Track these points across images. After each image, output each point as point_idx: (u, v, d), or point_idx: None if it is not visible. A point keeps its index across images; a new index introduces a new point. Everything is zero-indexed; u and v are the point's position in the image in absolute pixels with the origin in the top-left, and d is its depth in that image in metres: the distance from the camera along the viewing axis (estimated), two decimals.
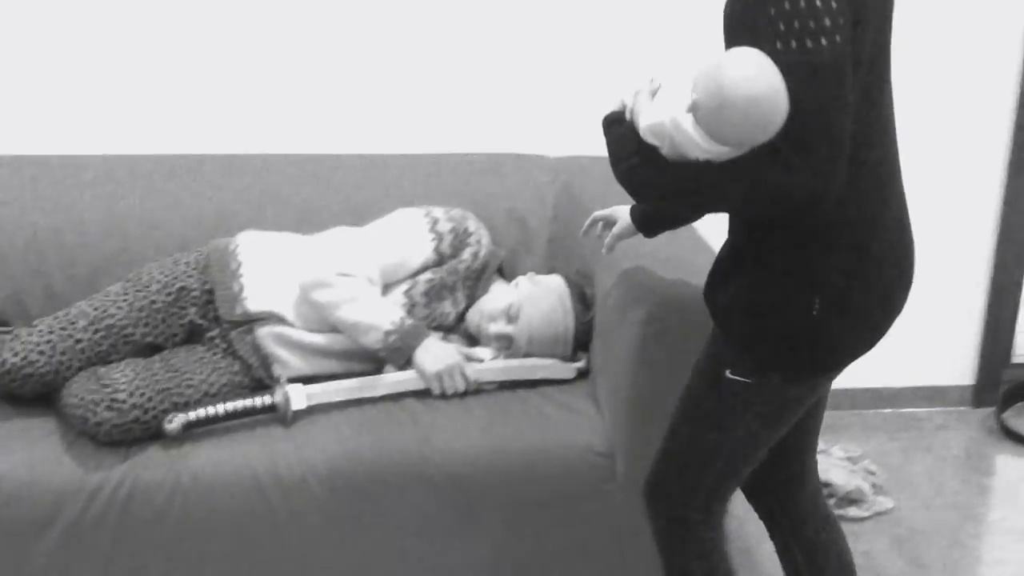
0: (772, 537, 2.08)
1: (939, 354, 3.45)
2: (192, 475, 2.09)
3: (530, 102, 2.94)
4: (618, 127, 1.68)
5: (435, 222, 2.47)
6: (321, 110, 2.90)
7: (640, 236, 2.09)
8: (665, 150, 1.58)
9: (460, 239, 2.48)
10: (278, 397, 2.21)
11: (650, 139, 1.60)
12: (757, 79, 1.45)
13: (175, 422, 2.12)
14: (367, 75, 2.89)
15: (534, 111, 2.95)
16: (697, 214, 2.00)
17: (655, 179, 1.61)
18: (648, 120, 1.60)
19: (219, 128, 2.87)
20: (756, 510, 2.09)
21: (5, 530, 2.06)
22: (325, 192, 2.72)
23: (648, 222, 2.08)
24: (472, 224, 2.51)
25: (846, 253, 1.61)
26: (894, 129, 1.67)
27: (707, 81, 1.50)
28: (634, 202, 2.00)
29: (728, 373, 1.71)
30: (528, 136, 2.91)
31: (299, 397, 2.24)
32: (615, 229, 2.16)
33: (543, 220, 2.75)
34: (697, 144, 1.53)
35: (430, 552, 2.22)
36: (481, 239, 2.52)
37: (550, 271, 2.65)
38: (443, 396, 2.31)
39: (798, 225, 1.59)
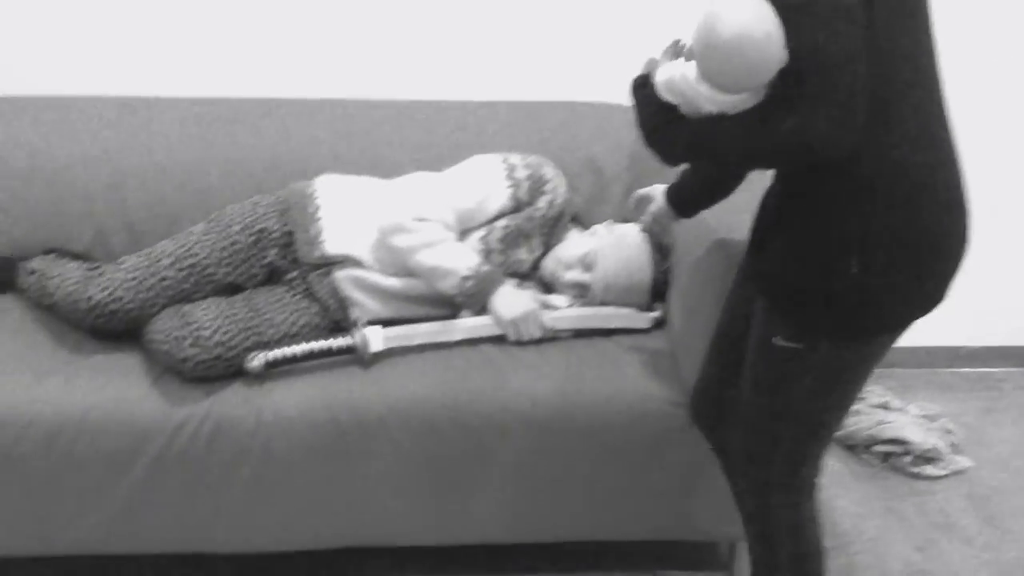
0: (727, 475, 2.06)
1: (1019, 314, 3.39)
2: (274, 412, 2.13)
3: (610, 49, 2.92)
4: (643, 89, 1.69)
5: (512, 169, 2.47)
6: (399, 55, 2.90)
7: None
8: (682, 106, 1.60)
9: (537, 186, 2.47)
10: (356, 339, 2.24)
11: (667, 96, 1.63)
12: (743, 18, 1.46)
13: (257, 360, 2.15)
14: (447, 20, 2.88)
15: (614, 59, 2.92)
16: (728, 183, 1.99)
17: (676, 137, 1.62)
18: (663, 76, 1.63)
19: (299, 72, 2.89)
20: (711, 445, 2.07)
21: (93, 462, 2.11)
22: (403, 138, 2.72)
23: (683, 203, 2.10)
24: (549, 171, 2.51)
25: (885, 211, 1.57)
26: (939, 84, 1.61)
27: (699, 25, 1.52)
28: (670, 180, 2.05)
29: (778, 340, 1.70)
30: (607, 84, 2.89)
31: (377, 339, 2.26)
32: (652, 208, 2.19)
33: (620, 169, 2.74)
34: (703, 95, 1.55)
35: (502, 495, 2.24)
36: (558, 187, 2.51)
37: (626, 220, 2.64)
38: (518, 343, 2.32)
39: (833, 183, 1.57)
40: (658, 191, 2.18)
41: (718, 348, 1.95)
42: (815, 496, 1.84)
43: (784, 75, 1.48)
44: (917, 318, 1.68)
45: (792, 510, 1.82)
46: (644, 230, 2.36)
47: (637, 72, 1.74)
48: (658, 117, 1.65)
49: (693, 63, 1.56)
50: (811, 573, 1.84)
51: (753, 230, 1.79)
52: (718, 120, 1.56)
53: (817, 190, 1.60)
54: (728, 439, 1.95)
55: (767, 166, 1.66)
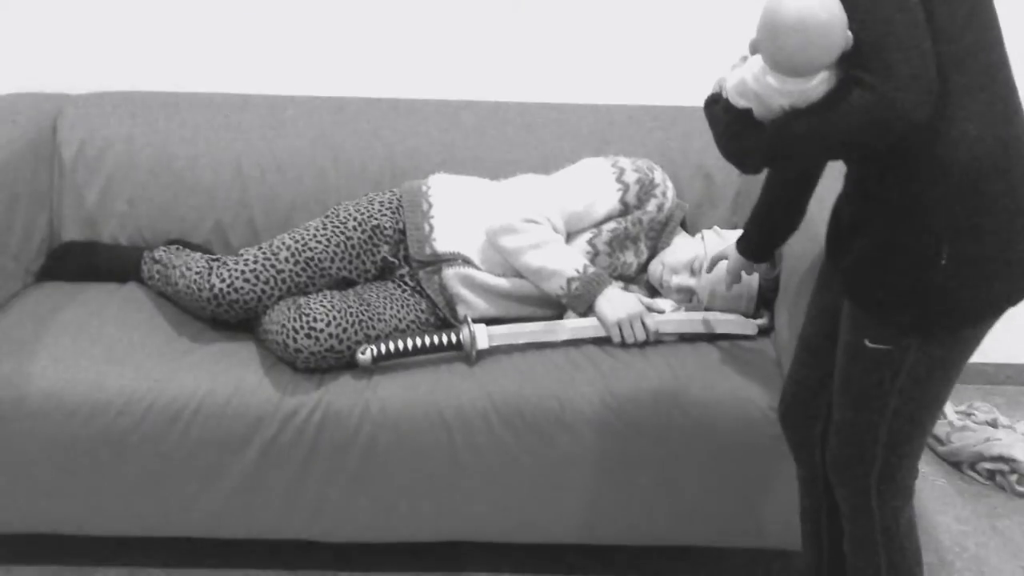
0: (805, 481, 2.03)
1: None
2: (381, 405, 2.18)
3: (721, 54, 2.91)
4: (714, 106, 1.71)
5: (621, 172, 2.48)
6: (511, 58, 2.94)
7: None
8: (755, 109, 1.60)
9: (646, 190, 2.49)
10: (463, 335, 2.28)
11: (739, 102, 1.63)
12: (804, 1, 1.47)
13: (367, 353, 2.21)
14: (559, 23, 2.91)
15: (725, 63, 2.92)
16: (794, 217, 2.02)
17: (753, 142, 1.63)
18: (733, 81, 1.64)
19: (416, 73, 2.95)
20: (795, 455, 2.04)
21: (207, 445, 2.18)
22: (513, 139, 2.76)
23: (754, 249, 2.13)
24: (658, 176, 2.52)
25: (971, 196, 1.55)
26: (1006, 63, 1.60)
27: (762, 15, 1.53)
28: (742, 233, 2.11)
29: (867, 342, 1.69)
30: None
31: (483, 337, 2.30)
32: (728, 265, 2.21)
33: (730, 175, 2.73)
34: (772, 87, 1.55)
35: (601, 494, 2.26)
36: (667, 191, 2.52)
37: (734, 226, 2.64)
38: (623, 345, 2.34)
39: (909, 172, 1.56)
40: (730, 249, 2.20)
41: (806, 353, 1.95)
42: (912, 501, 1.83)
43: (851, 56, 1.49)
44: (1006, 307, 1.66)
45: (892, 515, 1.80)
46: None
47: (708, 92, 1.76)
48: (733, 127, 1.66)
49: (759, 56, 1.57)
50: None
51: (828, 236, 1.79)
52: (792, 116, 1.56)
53: (893, 183, 1.60)
54: (818, 445, 1.94)
55: (846, 154, 1.64)
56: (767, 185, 2.02)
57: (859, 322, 1.71)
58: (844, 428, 1.80)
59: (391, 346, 2.23)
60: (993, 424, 2.99)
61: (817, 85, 1.53)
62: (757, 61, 1.58)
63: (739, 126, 1.65)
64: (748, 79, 1.60)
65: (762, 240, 2.11)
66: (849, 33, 1.48)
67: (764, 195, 2.03)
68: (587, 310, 2.36)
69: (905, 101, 1.44)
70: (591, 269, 2.36)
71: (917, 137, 1.52)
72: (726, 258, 2.24)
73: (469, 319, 2.35)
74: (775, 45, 1.52)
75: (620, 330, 2.33)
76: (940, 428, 2.99)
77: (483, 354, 2.30)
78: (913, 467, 1.80)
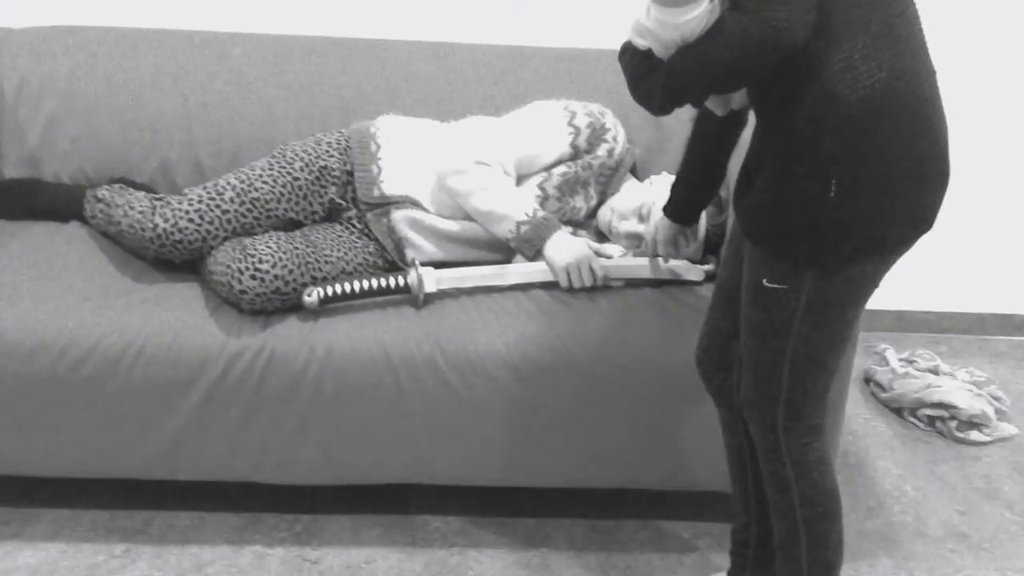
0: (726, 422, 2.08)
1: None
2: (327, 347, 2.17)
3: None
4: (625, 55, 1.78)
5: (573, 116, 2.47)
6: None
7: None
8: (654, 48, 1.67)
9: (597, 135, 2.48)
10: (411, 279, 2.27)
11: (639, 42, 1.71)
12: None
13: (313, 295, 2.19)
14: None
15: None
16: (715, 176, 2.08)
17: (654, 82, 1.68)
18: (630, 25, 1.72)
19: (366, 11, 2.91)
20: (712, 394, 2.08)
21: (152, 387, 2.17)
22: (464, 81, 2.73)
23: (682, 214, 2.20)
24: (609, 120, 2.51)
25: (858, 130, 1.60)
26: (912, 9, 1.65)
27: None
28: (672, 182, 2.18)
29: (765, 282, 1.73)
30: None
31: (431, 280, 2.29)
32: (659, 236, 2.26)
33: (679, 121, 2.72)
34: (661, 21, 1.61)
35: (546, 436, 2.28)
36: (618, 136, 2.52)
37: None
38: (571, 289, 2.34)
39: (800, 102, 1.60)
40: (658, 219, 2.26)
41: (719, 300, 1.98)
42: (823, 437, 1.86)
43: None
44: (901, 245, 1.72)
45: (799, 451, 1.84)
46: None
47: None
48: (639, 68, 1.72)
49: None
50: (825, 515, 1.87)
51: (739, 177, 1.83)
52: (683, 50, 1.62)
53: (784, 117, 1.65)
54: (735, 388, 1.97)
55: (735, 82, 1.68)
56: (688, 146, 2.08)
57: (757, 262, 1.75)
58: (750, 368, 1.85)
59: (337, 289, 2.22)
60: (935, 371, 3.04)
61: (701, 15, 1.57)
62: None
63: (643, 67, 1.71)
64: (641, 17, 1.66)
65: (687, 202, 2.17)
66: None
67: (685, 157, 2.10)
68: (535, 254, 2.36)
69: (782, 20, 1.50)
70: (540, 213, 2.36)
71: (803, 64, 1.57)
72: (658, 230, 2.29)
73: (417, 263, 2.34)
74: None
75: (568, 274, 2.33)
76: (883, 375, 3.04)
77: (431, 298, 2.30)
78: (819, 407, 1.83)
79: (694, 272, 2.42)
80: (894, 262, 1.74)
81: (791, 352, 1.76)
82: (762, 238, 1.74)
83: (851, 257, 1.69)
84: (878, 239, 1.69)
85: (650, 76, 1.69)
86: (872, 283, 1.75)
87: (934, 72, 1.67)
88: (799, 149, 1.64)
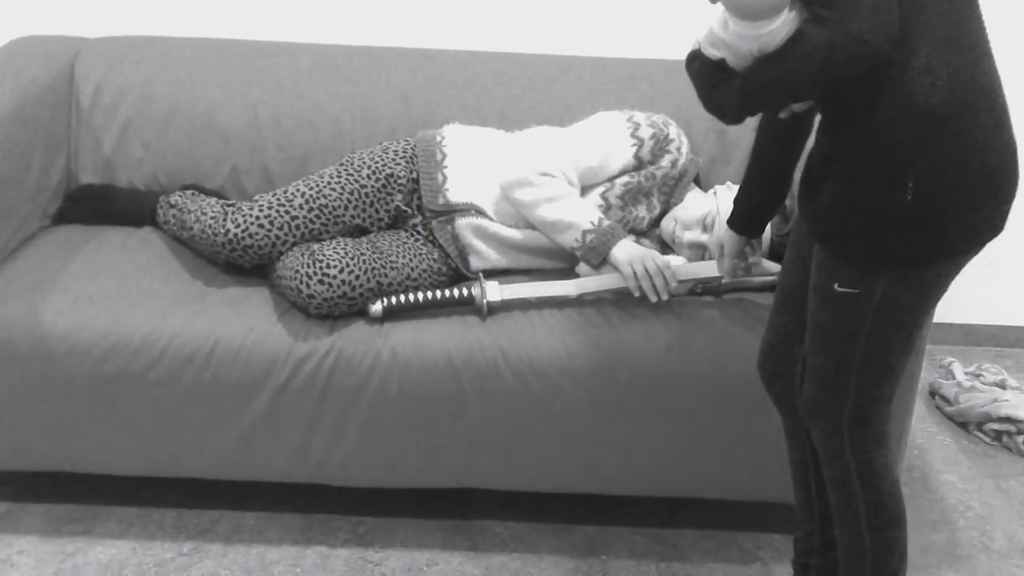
0: (789, 430, 2.07)
1: None
2: (392, 352, 2.20)
3: None
4: (694, 63, 1.76)
5: (637, 127, 2.48)
6: (529, 8, 2.93)
7: None
8: (728, 59, 1.66)
9: (660, 145, 2.49)
10: (475, 290, 2.29)
11: (712, 53, 1.69)
12: None
13: (377, 305, 2.22)
14: None
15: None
16: (781, 187, 2.06)
17: (729, 91, 1.67)
18: (703, 34, 1.70)
19: (430, 22, 2.94)
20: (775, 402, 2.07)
21: (220, 389, 2.21)
22: (529, 91, 2.76)
23: (743, 221, 2.15)
24: (673, 131, 2.51)
25: (934, 132, 1.59)
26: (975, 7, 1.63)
27: None
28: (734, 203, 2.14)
29: (836, 287, 1.72)
30: None
31: (495, 292, 2.31)
32: (726, 251, 2.22)
33: (743, 130, 2.72)
34: (738, 33, 1.59)
35: (607, 444, 2.29)
36: (681, 147, 2.52)
37: None
38: (640, 298, 2.34)
39: (876, 106, 1.60)
40: (724, 233, 2.23)
41: (781, 305, 1.97)
42: (888, 444, 1.85)
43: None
44: (973, 248, 1.70)
45: (865, 458, 1.83)
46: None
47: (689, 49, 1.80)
48: (711, 78, 1.71)
49: (720, 4, 1.60)
50: (892, 522, 1.85)
51: (800, 184, 1.82)
52: (761, 60, 1.61)
53: (860, 120, 1.64)
54: (798, 395, 1.96)
55: (815, 91, 1.68)
56: (752, 156, 2.06)
57: (827, 266, 1.74)
58: (816, 373, 1.83)
59: (402, 299, 2.25)
60: (1001, 385, 3.00)
61: (780, 27, 1.56)
62: (720, 9, 1.62)
63: (715, 77, 1.70)
64: (716, 28, 1.65)
65: (753, 213, 2.14)
66: None
67: (750, 167, 2.08)
68: (600, 262, 2.37)
69: (866, 32, 1.50)
70: (606, 222, 2.36)
71: (882, 71, 1.57)
72: (724, 243, 2.26)
73: (481, 276, 2.36)
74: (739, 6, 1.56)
75: (636, 275, 2.30)
76: (948, 388, 3.01)
77: (496, 308, 2.31)
78: (885, 412, 1.82)
79: (758, 279, 2.42)
80: (965, 264, 1.73)
81: (860, 356, 1.75)
82: (834, 241, 1.73)
83: (924, 259, 1.68)
84: (952, 241, 1.67)
85: (724, 86, 1.68)
86: (943, 286, 1.74)
87: (999, 79, 1.66)
88: (875, 151, 1.64)
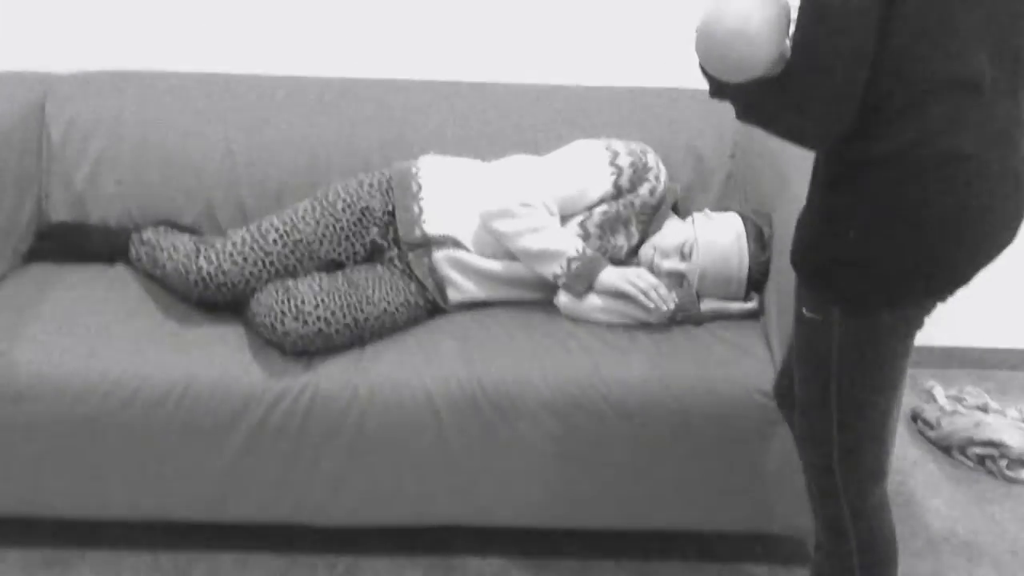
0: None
1: None
2: (369, 388, 2.17)
3: None
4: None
5: (615, 155, 2.47)
6: (502, 39, 2.92)
7: None
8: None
9: (639, 174, 2.47)
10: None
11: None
12: (726, 19, 1.51)
13: None
14: (551, 4, 2.89)
15: None
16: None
17: (736, 99, 1.66)
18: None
19: (406, 53, 2.93)
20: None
21: (195, 429, 2.17)
22: (505, 120, 2.74)
23: None
24: (651, 159, 2.50)
25: (887, 189, 1.58)
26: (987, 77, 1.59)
27: (702, 15, 1.56)
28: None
29: (804, 311, 1.73)
30: None
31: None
32: None
33: (721, 157, 2.73)
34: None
35: (590, 478, 2.26)
36: (659, 175, 2.51)
37: (725, 209, 2.63)
38: (620, 326, 2.35)
39: (843, 153, 1.61)
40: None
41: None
42: (882, 483, 1.82)
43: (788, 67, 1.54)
44: (930, 299, 1.69)
45: (858, 496, 1.80)
46: (744, 215, 2.37)
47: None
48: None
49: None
50: (883, 562, 1.83)
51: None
52: (746, 91, 1.60)
53: (830, 161, 1.65)
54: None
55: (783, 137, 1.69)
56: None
57: (799, 290, 1.75)
58: (801, 405, 1.83)
59: None
60: (984, 409, 2.99)
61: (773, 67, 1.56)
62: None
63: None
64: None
65: None
66: (783, 48, 1.53)
67: None
68: (585, 290, 2.35)
69: (816, 130, 1.56)
70: (589, 251, 2.36)
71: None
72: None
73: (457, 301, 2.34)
74: (698, 44, 1.58)
75: (636, 287, 2.32)
76: (930, 413, 2.99)
77: (468, 336, 2.29)
78: (875, 448, 1.79)
79: (736, 308, 2.42)
80: (918, 316, 1.70)
81: (835, 386, 1.73)
82: (796, 263, 1.74)
83: (872, 303, 1.66)
84: (903, 294, 1.66)
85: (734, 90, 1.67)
86: (905, 329, 1.70)
87: (1001, 130, 1.61)
88: (829, 191, 1.65)
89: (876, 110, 1.53)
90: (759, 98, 1.59)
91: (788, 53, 1.53)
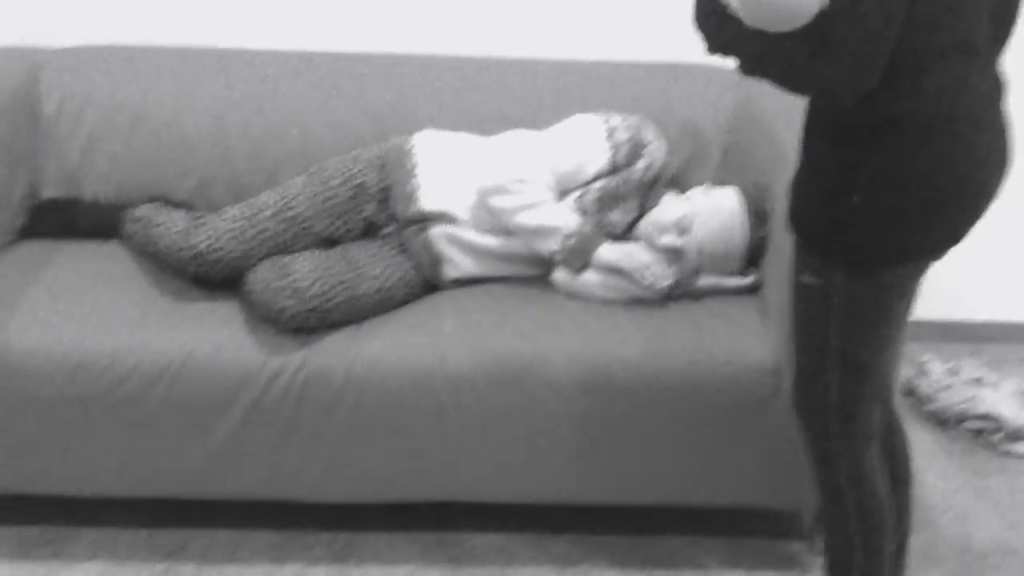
0: None
1: None
2: (366, 365, 2.17)
3: None
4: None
5: (613, 131, 2.45)
6: (499, 12, 2.90)
7: None
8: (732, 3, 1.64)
9: (636, 149, 2.46)
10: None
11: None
12: None
13: None
14: None
15: None
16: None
17: (736, 48, 1.66)
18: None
19: (402, 27, 2.91)
20: None
21: (191, 406, 2.17)
22: (501, 96, 2.72)
23: None
24: (649, 134, 2.49)
25: (895, 149, 1.62)
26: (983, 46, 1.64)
27: None
28: None
29: (802, 278, 1.75)
30: None
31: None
32: None
33: (719, 132, 2.71)
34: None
35: (588, 453, 2.26)
36: (657, 150, 2.49)
37: (722, 184, 2.62)
38: (619, 301, 2.35)
39: (851, 121, 1.63)
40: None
41: None
42: (875, 445, 1.85)
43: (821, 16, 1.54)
44: (928, 256, 1.72)
45: (854, 458, 1.82)
46: (742, 190, 2.37)
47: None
48: (715, 15, 1.68)
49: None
50: (880, 525, 1.85)
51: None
52: (767, 42, 1.60)
53: (833, 127, 1.67)
54: None
55: (799, 93, 1.68)
56: None
57: (798, 257, 1.77)
58: (799, 371, 1.85)
59: None
60: (979, 382, 3.00)
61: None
62: None
63: (720, 13, 1.67)
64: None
65: None
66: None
67: None
68: (581, 267, 2.35)
69: (841, 83, 1.53)
70: (587, 226, 2.35)
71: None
72: None
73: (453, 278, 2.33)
74: (759, 15, 1.58)
75: (635, 261, 2.33)
76: (925, 386, 2.99)
77: (465, 311, 2.29)
78: (871, 410, 1.82)
79: (733, 283, 2.42)
80: (920, 271, 1.74)
81: (834, 351, 1.75)
82: (795, 225, 1.75)
83: (874, 263, 1.69)
84: (903, 251, 1.69)
85: (725, 24, 1.66)
86: (902, 288, 1.74)
87: (990, 90, 1.67)
88: (830, 155, 1.67)
89: (893, 68, 1.54)
90: (784, 50, 1.58)
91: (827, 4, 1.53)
